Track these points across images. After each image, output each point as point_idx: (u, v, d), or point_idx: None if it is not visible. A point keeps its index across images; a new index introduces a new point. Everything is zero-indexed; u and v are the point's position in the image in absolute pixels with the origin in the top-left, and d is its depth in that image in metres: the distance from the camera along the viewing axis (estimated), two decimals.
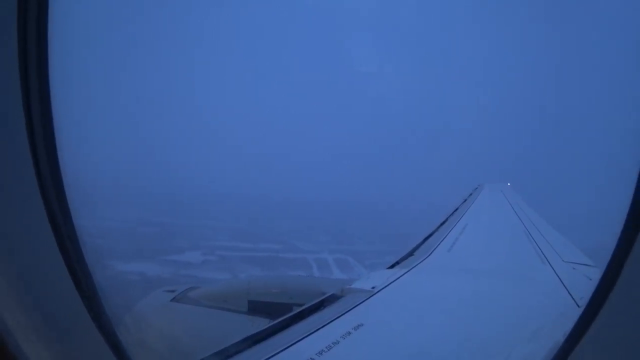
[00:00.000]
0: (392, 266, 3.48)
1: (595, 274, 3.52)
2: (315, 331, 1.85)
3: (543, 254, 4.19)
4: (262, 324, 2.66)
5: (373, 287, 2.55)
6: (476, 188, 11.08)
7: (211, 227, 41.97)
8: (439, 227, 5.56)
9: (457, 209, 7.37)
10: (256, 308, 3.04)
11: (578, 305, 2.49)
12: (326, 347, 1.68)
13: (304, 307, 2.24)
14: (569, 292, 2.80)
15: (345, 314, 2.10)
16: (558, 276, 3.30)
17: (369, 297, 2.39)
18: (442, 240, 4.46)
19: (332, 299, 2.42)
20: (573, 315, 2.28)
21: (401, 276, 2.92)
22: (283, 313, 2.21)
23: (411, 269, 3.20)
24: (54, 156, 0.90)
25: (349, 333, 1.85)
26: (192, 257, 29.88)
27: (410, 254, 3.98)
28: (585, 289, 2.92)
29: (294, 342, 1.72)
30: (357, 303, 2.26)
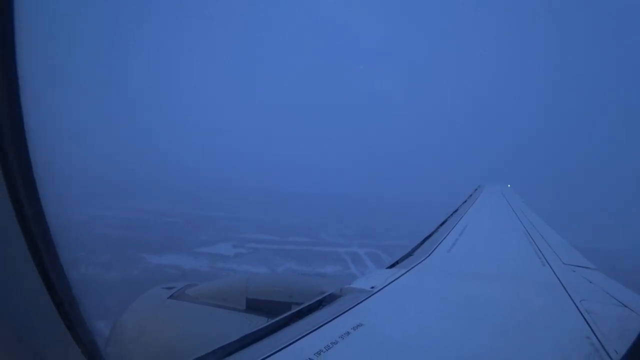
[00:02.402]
0: (391, 266, 3.46)
1: (596, 277, 3.51)
2: (313, 331, 1.83)
3: (543, 255, 4.17)
4: (260, 322, 2.64)
5: (372, 287, 2.53)
6: (476, 189, 11.08)
7: (233, 218, 42.02)
8: (438, 228, 5.54)
9: (457, 210, 7.36)
10: (254, 306, 3.01)
11: (578, 308, 2.48)
12: (325, 347, 1.66)
13: (302, 307, 2.22)
14: (569, 295, 2.79)
15: (344, 314, 2.08)
16: (558, 278, 3.29)
17: (368, 297, 2.37)
18: (442, 241, 4.44)
19: (331, 298, 2.40)
20: (572, 317, 2.28)
21: (401, 276, 2.90)
22: (281, 312, 2.19)
23: (411, 269, 3.18)
24: (24, 149, 0.85)
25: (348, 333, 1.83)
26: (224, 250, 29.59)
27: (410, 254, 3.96)
28: (585, 292, 2.92)
29: (292, 341, 1.70)
30: (356, 303, 2.24)
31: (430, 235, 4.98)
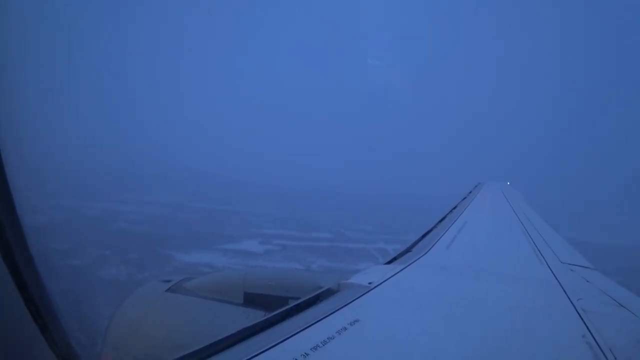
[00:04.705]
0: (389, 262, 3.46)
1: (593, 276, 3.52)
2: (310, 326, 1.83)
3: (541, 254, 4.18)
4: (257, 316, 2.64)
5: (370, 283, 2.53)
6: (476, 186, 11.09)
7: (248, 213, 41.56)
8: (437, 224, 5.55)
9: (456, 206, 7.36)
10: (252, 300, 3.02)
11: (575, 307, 2.49)
12: (321, 342, 1.66)
13: (299, 301, 2.22)
14: (566, 294, 2.80)
15: (341, 309, 2.07)
16: (556, 277, 3.30)
17: (365, 293, 2.37)
18: (440, 237, 4.45)
19: (328, 293, 2.40)
20: (568, 316, 2.29)
21: (399, 272, 2.89)
22: (279, 306, 2.19)
23: (409, 265, 3.18)
24: None
25: (345, 329, 1.83)
26: (252, 247, 28.82)
27: (408, 249, 3.96)
28: (582, 291, 2.93)
29: (288, 336, 1.70)
30: (354, 298, 2.24)
31: (429, 232, 4.98)
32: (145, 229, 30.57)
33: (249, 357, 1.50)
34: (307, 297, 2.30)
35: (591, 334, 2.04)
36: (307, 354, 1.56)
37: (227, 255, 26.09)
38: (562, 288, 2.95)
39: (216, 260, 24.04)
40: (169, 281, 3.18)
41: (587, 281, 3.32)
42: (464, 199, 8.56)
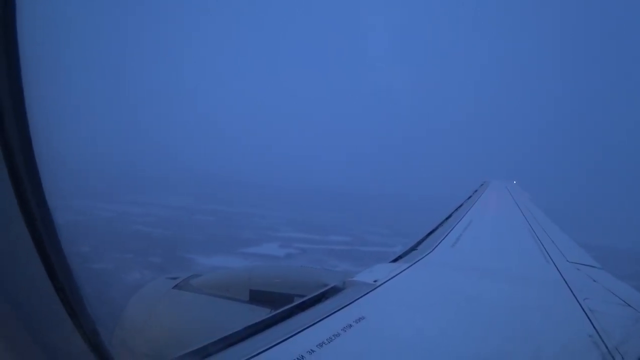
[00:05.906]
0: (395, 260, 3.47)
1: (600, 276, 3.50)
2: (315, 323, 1.84)
3: (547, 253, 4.16)
4: (263, 313, 2.65)
5: (375, 281, 2.54)
6: (482, 184, 11.03)
7: (260, 215, 41.31)
8: (443, 222, 5.53)
9: (462, 205, 7.33)
10: (258, 297, 3.03)
11: (581, 306, 2.47)
12: (327, 340, 1.67)
13: (305, 299, 2.23)
14: (572, 293, 2.78)
15: (347, 307, 2.09)
16: (562, 276, 3.28)
17: (371, 291, 2.38)
18: (446, 236, 4.44)
19: (334, 291, 2.41)
20: (575, 315, 2.28)
21: (404, 270, 2.90)
22: (284, 303, 2.21)
23: (414, 263, 3.18)
24: (27, 139, 0.86)
25: (350, 326, 1.84)
26: (272, 250, 28.20)
27: (414, 248, 3.96)
28: (589, 290, 2.91)
29: (294, 333, 1.71)
30: (359, 296, 2.25)
31: (434, 230, 4.97)
32: (161, 231, 30.50)
33: (255, 354, 1.52)
34: (313, 294, 2.32)
35: (598, 333, 2.03)
36: (313, 351, 1.57)
37: (248, 259, 25.79)
38: (569, 287, 2.93)
39: (240, 265, 23.79)
40: (175, 278, 3.20)
41: (594, 280, 3.30)
42: (469, 197, 8.52)
